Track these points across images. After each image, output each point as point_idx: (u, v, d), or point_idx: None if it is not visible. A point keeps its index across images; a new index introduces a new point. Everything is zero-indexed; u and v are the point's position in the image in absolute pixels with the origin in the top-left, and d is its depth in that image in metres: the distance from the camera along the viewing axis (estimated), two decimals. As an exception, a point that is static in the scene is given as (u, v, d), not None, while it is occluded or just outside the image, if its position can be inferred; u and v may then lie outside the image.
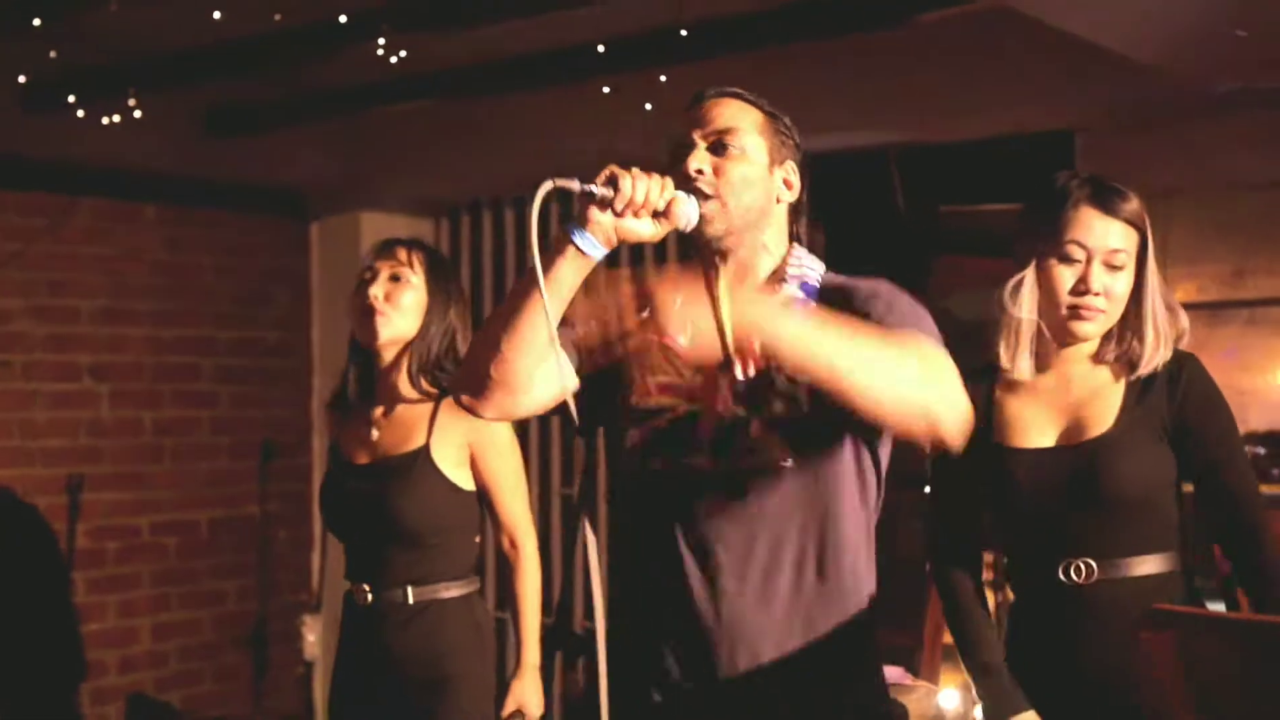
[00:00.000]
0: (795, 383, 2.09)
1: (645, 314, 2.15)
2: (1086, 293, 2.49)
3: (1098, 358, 2.57)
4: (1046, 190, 2.57)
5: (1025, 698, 2.54)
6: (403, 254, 3.19)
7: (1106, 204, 2.51)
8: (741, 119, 2.23)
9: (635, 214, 2.04)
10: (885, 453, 2.23)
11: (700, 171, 2.16)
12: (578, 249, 2.03)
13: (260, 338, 5.94)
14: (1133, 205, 2.53)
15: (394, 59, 4.10)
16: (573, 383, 2.19)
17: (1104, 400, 2.54)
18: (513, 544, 3.26)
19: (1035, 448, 2.54)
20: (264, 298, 5.98)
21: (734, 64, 4.37)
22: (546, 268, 2.03)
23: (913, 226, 5.43)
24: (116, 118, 4.68)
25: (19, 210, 5.29)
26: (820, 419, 2.11)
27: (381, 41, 3.94)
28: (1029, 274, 2.56)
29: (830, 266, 5.72)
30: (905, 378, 1.95)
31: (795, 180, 2.29)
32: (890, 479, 5.73)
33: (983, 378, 2.60)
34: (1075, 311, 2.50)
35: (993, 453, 2.55)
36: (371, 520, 3.14)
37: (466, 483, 3.18)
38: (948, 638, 2.88)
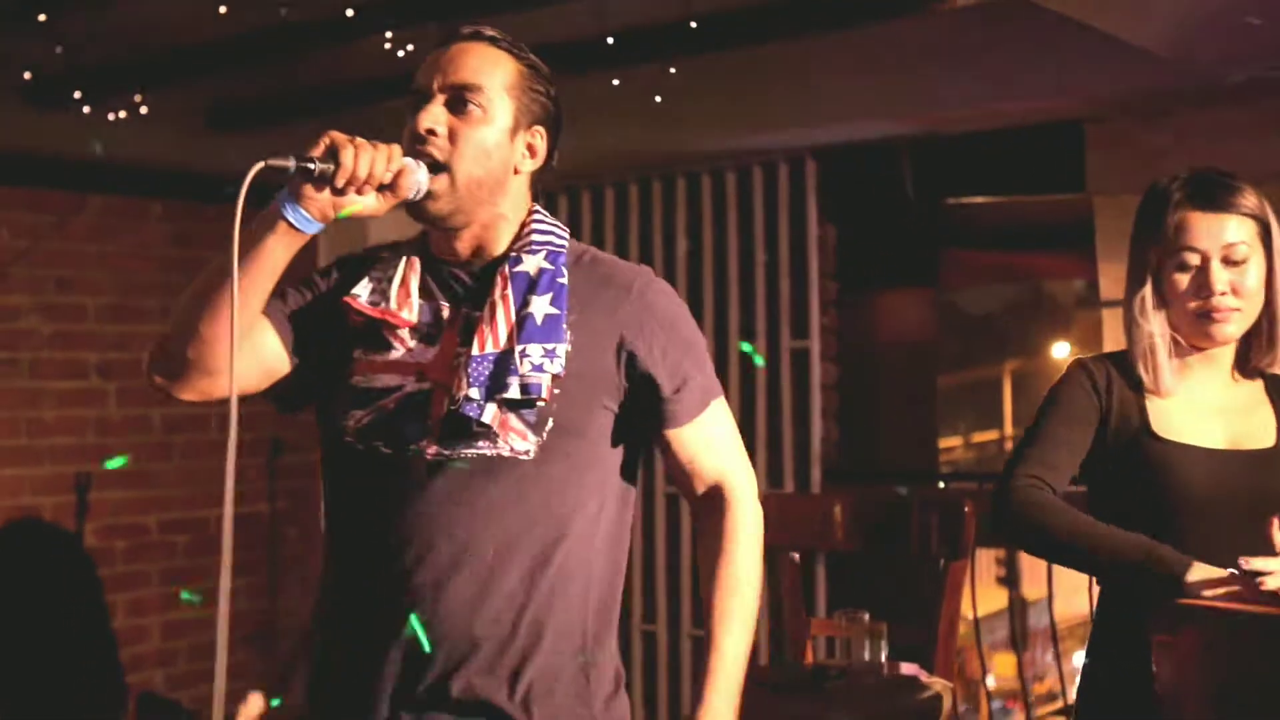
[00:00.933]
0: (541, 371, 1.92)
1: (368, 285, 2.00)
2: (1212, 294, 2.38)
3: (1244, 361, 2.47)
4: (1150, 197, 2.47)
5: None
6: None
7: (1210, 200, 2.41)
8: (490, 72, 1.99)
9: (358, 190, 1.86)
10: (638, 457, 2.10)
11: (432, 132, 1.95)
12: (289, 225, 1.86)
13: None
14: (1241, 195, 2.41)
15: (401, 53, 4.08)
16: (283, 362, 2.02)
17: (1261, 410, 2.46)
18: None
19: (1206, 446, 2.41)
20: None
21: (744, 56, 4.35)
22: (255, 243, 1.86)
23: (920, 219, 5.42)
24: (123, 114, 4.68)
25: (26, 207, 5.28)
26: (575, 410, 1.97)
27: (389, 35, 3.93)
28: (1149, 286, 2.44)
29: (842, 263, 5.72)
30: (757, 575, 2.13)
31: (541, 146, 2.05)
32: (844, 473, 5.67)
33: (1126, 368, 2.47)
34: (1207, 316, 2.39)
35: (1153, 443, 2.41)
36: None
37: None
38: (962, 636, 2.81)
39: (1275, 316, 2.43)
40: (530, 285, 1.97)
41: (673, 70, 3.93)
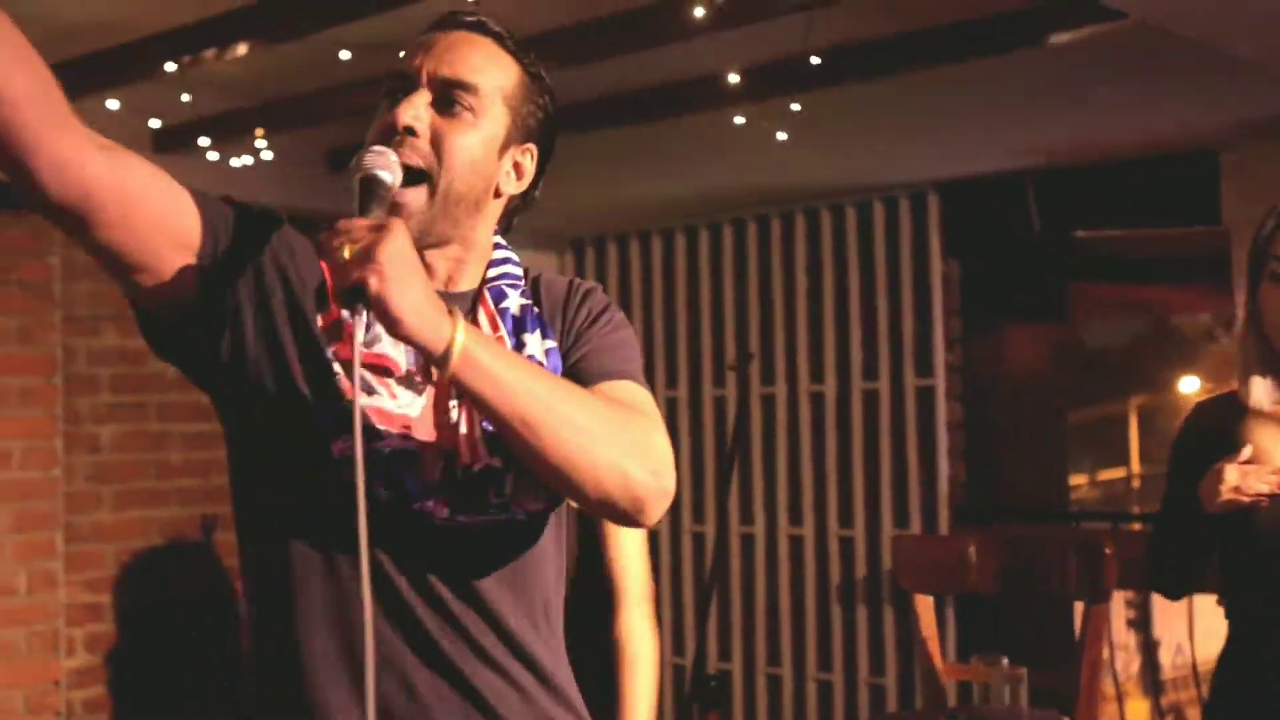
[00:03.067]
0: None
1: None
2: None
3: None
4: (1264, 219, 2.46)
5: None
6: None
7: None
8: (489, 72, 1.73)
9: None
10: None
11: (412, 131, 1.68)
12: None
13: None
14: None
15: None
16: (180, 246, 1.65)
17: None
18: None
19: None
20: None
21: (865, 90, 4.32)
22: None
23: (1048, 253, 5.34)
24: (248, 159, 4.76)
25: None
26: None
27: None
28: (1246, 303, 2.45)
29: (966, 299, 5.61)
30: (606, 441, 1.61)
31: (530, 166, 1.80)
32: (973, 513, 5.56)
33: (1231, 407, 2.48)
34: None
35: None
36: None
37: None
38: (1105, 684, 2.76)
39: None
40: (519, 324, 1.78)
41: (795, 106, 3.90)
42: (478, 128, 1.71)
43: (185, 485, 5.41)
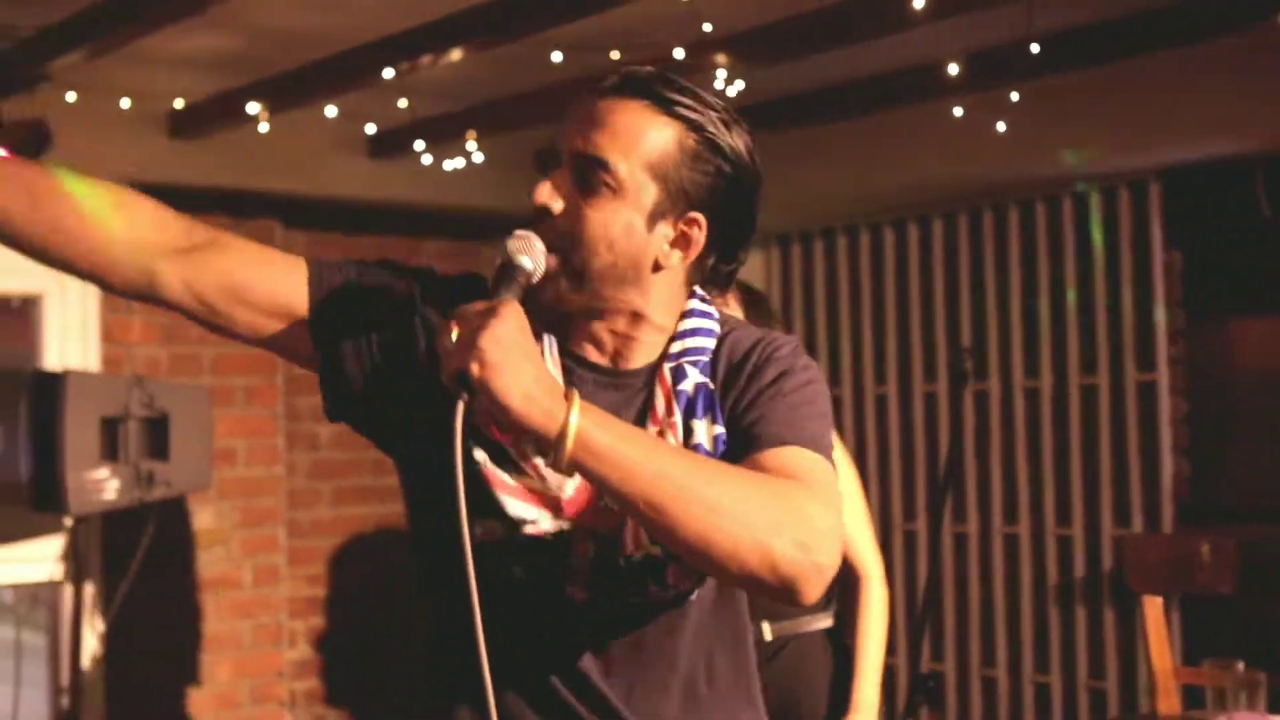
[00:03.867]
0: None
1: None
2: None
3: None
4: None
5: None
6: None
7: None
8: (632, 145, 1.65)
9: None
10: None
11: (547, 211, 1.66)
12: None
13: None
14: None
15: (732, 90, 4.13)
16: (290, 310, 1.75)
17: None
18: (856, 571, 3.17)
19: None
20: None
21: (1086, 77, 4.24)
22: None
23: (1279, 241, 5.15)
24: (460, 162, 4.88)
25: (373, 253, 5.51)
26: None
27: (722, 74, 3.98)
28: None
29: (1189, 291, 5.43)
30: (745, 517, 1.53)
31: (699, 236, 1.70)
32: (1200, 512, 5.39)
33: None
34: None
35: None
36: None
37: None
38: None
39: None
40: (690, 406, 1.71)
41: (1015, 96, 3.84)
42: (616, 205, 1.65)
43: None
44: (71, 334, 4.74)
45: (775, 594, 1.57)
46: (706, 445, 1.68)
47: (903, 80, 4.25)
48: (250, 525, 5.02)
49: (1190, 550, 3.39)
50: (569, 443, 1.49)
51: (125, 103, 4.41)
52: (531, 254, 1.63)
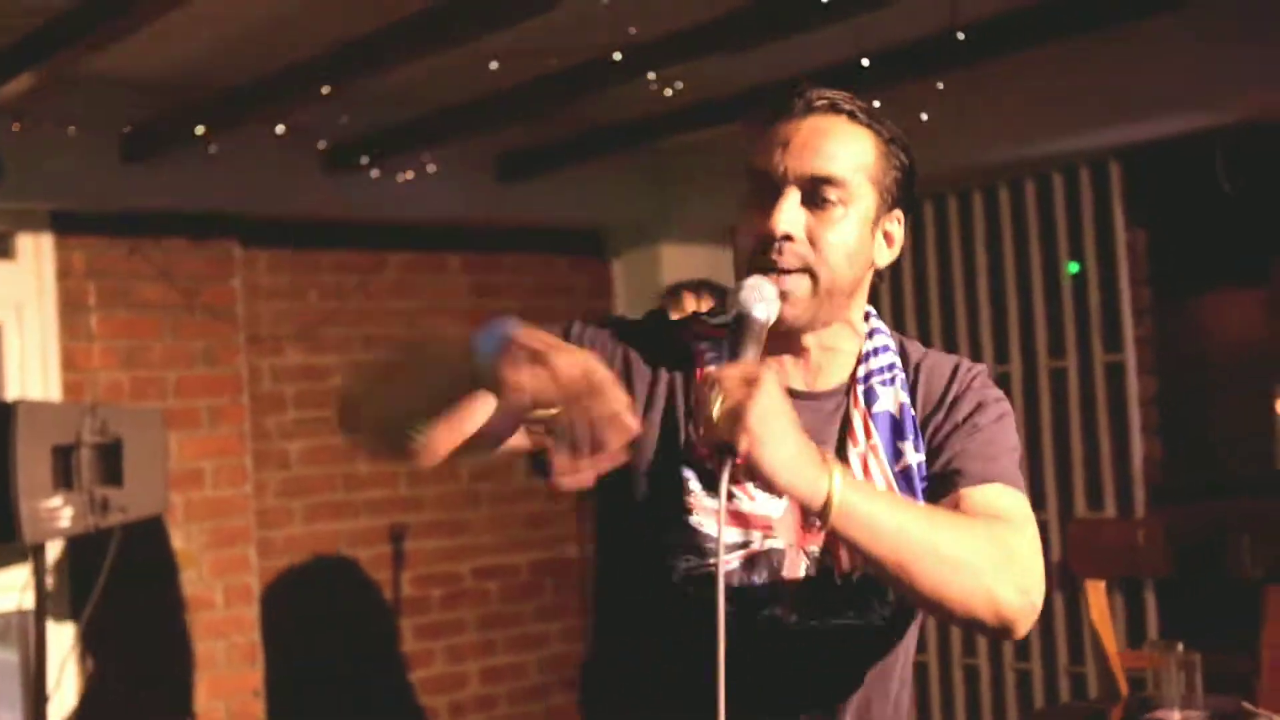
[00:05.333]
0: None
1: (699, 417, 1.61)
2: None
3: None
4: None
5: None
6: (691, 300, 3.20)
7: None
8: (852, 155, 1.75)
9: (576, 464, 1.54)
10: None
11: (790, 238, 1.73)
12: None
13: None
14: None
15: (669, 91, 4.18)
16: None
17: None
18: None
19: None
20: (571, 338, 6.13)
21: (1032, 59, 4.28)
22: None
23: (1247, 215, 5.16)
24: (410, 174, 4.94)
25: (332, 270, 5.59)
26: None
27: (652, 75, 4.03)
28: None
29: (1155, 269, 5.47)
30: (976, 570, 1.63)
31: (899, 232, 1.83)
32: (1181, 489, 5.41)
33: None
34: None
35: None
36: None
37: None
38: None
39: None
40: (896, 428, 1.81)
41: (940, 85, 3.88)
42: (849, 217, 1.75)
43: (373, 496, 5.61)
44: (31, 362, 4.82)
45: (993, 634, 1.70)
46: (914, 473, 1.79)
47: (827, 75, 4.29)
48: (220, 546, 5.09)
49: (1131, 534, 3.42)
50: (833, 512, 1.57)
51: (72, 130, 4.49)
52: (765, 302, 1.70)
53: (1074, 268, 5.20)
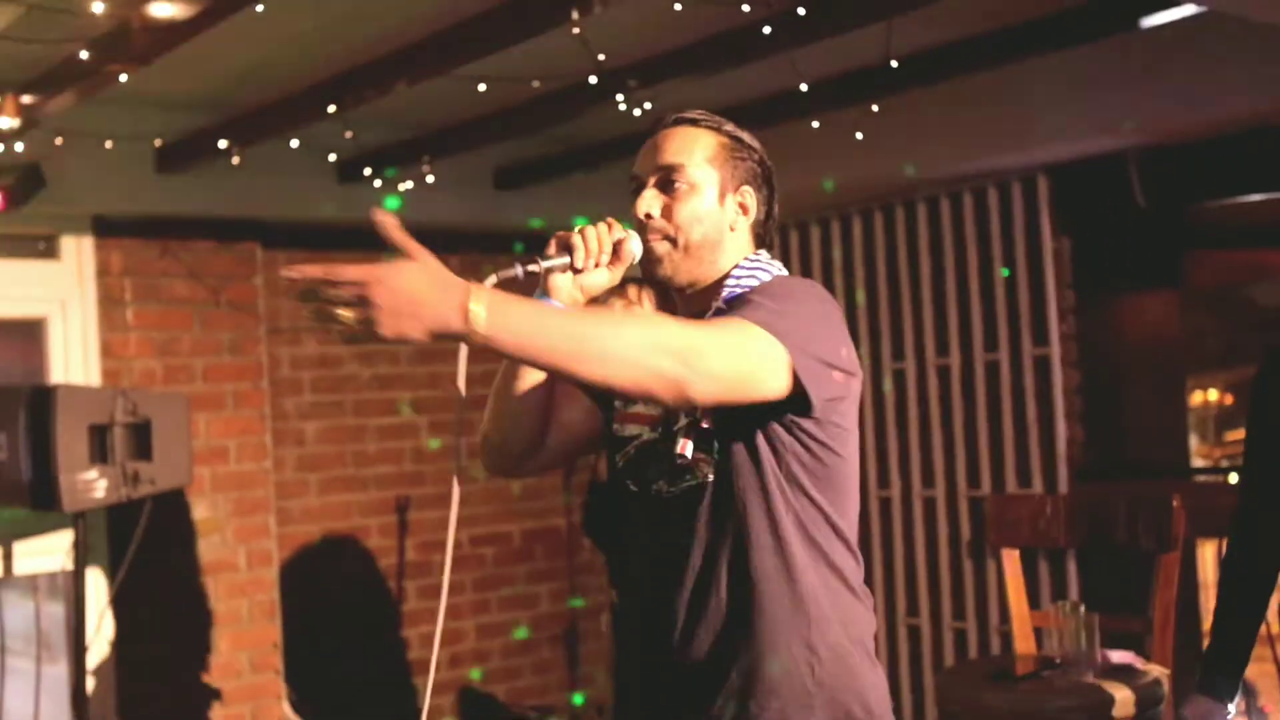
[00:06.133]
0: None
1: None
2: None
3: None
4: None
5: (1230, 690, 2.39)
6: (633, 291, 3.27)
7: None
8: (691, 150, 2.10)
9: (596, 264, 2.03)
10: (817, 466, 2.02)
11: (649, 216, 2.08)
12: None
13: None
14: None
15: (638, 111, 4.22)
16: (592, 426, 2.19)
17: None
18: None
19: None
20: (559, 331, 6.17)
21: (972, 86, 4.33)
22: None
23: (1158, 224, 5.22)
24: (410, 183, 4.98)
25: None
26: (721, 429, 2.00)
27: (620, 97, 4.07)
28: None
29: (1079, 273, 5.51)
30: (624, 340, 1.78)
31: (752, 203, 2.14)
32: (1100, 469, 5.44)
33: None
34: None
35: None
36: None
37: None
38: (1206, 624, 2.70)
39: None
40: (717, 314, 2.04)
41: (875, 108, 3.93)
42: (695, 192, 2.08)
43: (381, 471, 5.67)
44: (74, 351, 4.86)
45: (673, 401, 1.85)
46: None
47: (781, 101, 4.33)
48: (242, 515, 5.14)
49: (1039, 508, 3.47)
50: (477, 330, 1.73)
51: (109, 143, 4.53)
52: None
53: (1005, 272, 5.24)
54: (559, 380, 2.07)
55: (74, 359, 4.86)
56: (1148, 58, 4.37)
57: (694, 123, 2.13)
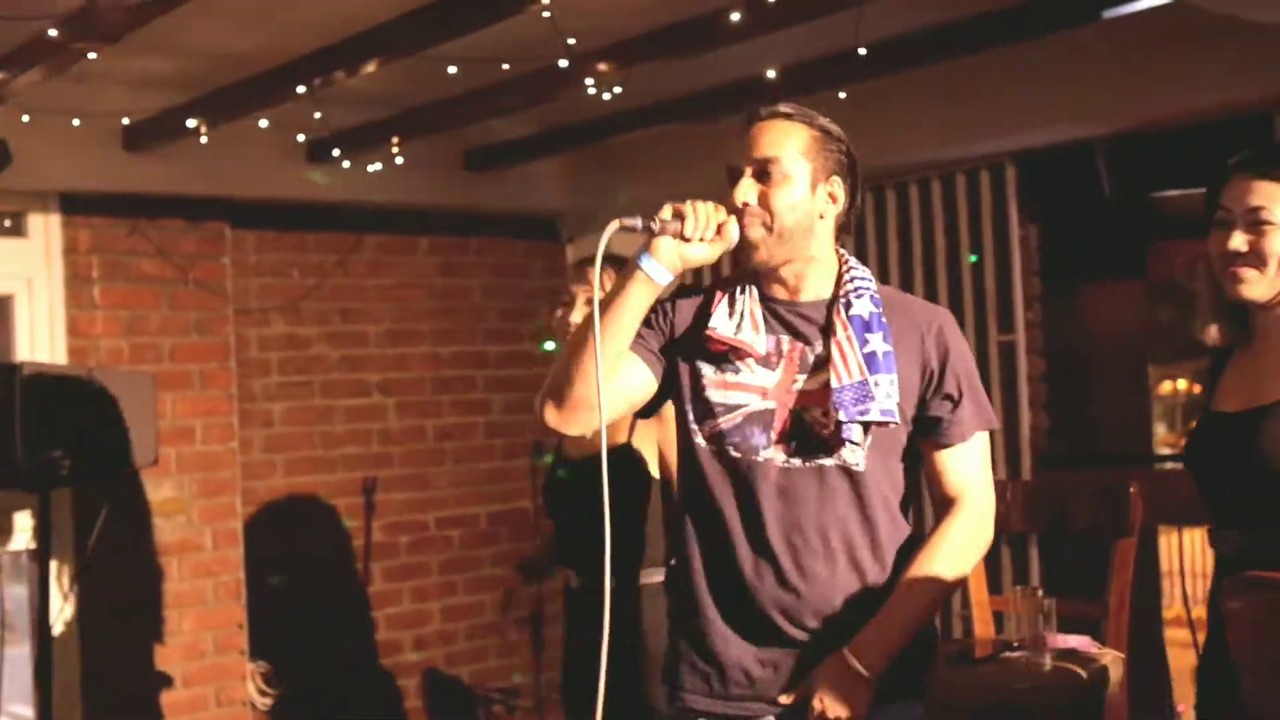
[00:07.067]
0: (892, 390, 2.23)
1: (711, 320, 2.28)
2: (1227, 253, 2.33)
3: None
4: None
5: None
6: (592, 274, 3.24)
7: (1251, 167, 2.35)
8: (785, 143, 2.25)
9: (701, 238, 2.18)
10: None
11: (746, 204, 2.23)
12: (647, 276, 2.19)
13: (527, 350, 6.17)
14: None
15: (607, 95, 4.25)
16: (648, 390, 2.32)
17: None
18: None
19: (1221, 411, 2.40)
20: (528, 314, 6.21)
21: (941, 74, 4.37)
22: (620, 292, 2.20)
23: (1124, 214, 5.27)
24: (380, 165, 5.00)
25: (314, 249, 5.65)
26: (891, 430, 2.26)
27: (590, 81, 4.09)
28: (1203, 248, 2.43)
29: (1045, 261, 5.57)
30: (956, 582, 2.29)
31: (840, 193, 2.30)
32: (1064, 457, 5.49)
33: (1220, 350, 2.49)
34: (1227, 273, 2.34)
35: (1204, 417, 2.47)
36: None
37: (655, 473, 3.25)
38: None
39: None
40: (865, 326, 2.23)
41: (842, 95, 3.96)
42: (790, 182, 2.23)
43: (348, 453, 5.68)
44: (40, 329, 4.86)
45: None
46: (879, 356, 2.21)
47: (739, 90, 4.36)
48: (208, 495, 5.15)
49: (1000, 494, 3.51)
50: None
51: (77, 121, 4.53)
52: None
53: (974, 259, 5.29)
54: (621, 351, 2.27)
55: (40, 337, 4.86)
56: (1115, 48, 4.42)
57: (788, 116, 2.27)
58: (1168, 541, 5.30)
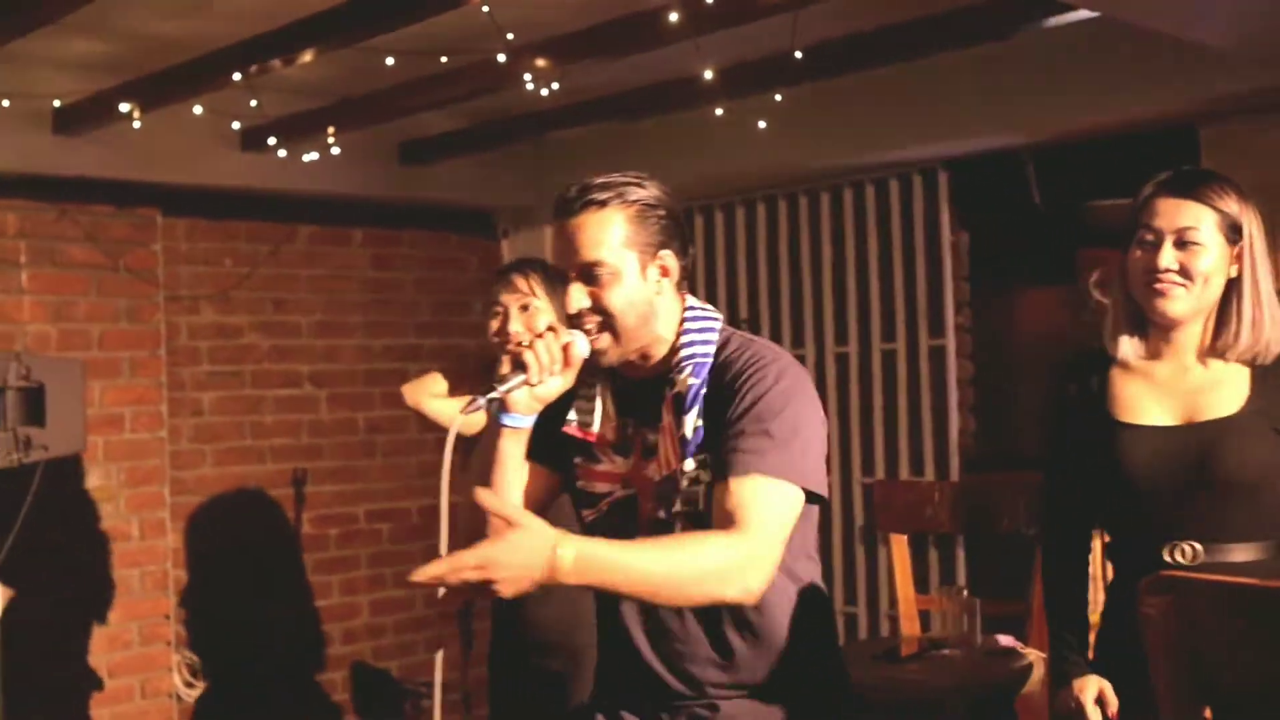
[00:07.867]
0: (697, 483, 2.15)
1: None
2: (1157, 270, 2.39)
3: (1213, 347, 2.46)
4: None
5: (1087, 666, 2.52)
6: (521, 282, 3.23)
7: (1179, 188, 2.42)
8: (604, 239, 2.14)
9: (550, 374, 2.12)
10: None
11: (580, 313, 2.16)
12: (514, 429, 2.16)
13: (459, 344, 6.15)
14: (1213, 188, 2.42)
15: (545, 91, 4.26)
16: (555, 480, 2.32)
17: (1228, 387, 2.43)
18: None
19: (1154, 425, 2.44)
20: (461, 308, 6.20)
21: (876, 79, 4.42)
22: (495, 450, 2.17)
23: (1054, 222, 5.36)
24: (315, 155, 4.97)
25: (246, 238, 5.61)
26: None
27: (528, 77, 4.10)
28: (1121, 264, 2.49)
29: (975, 266, 5.61)
30: (699, 588, 2.03)
31: (672, 263, 2.21)
32: (990, 459, 5.61)
33: (1100, 360, 2.53)
34: (1151, 289, 2.40)
35: (1109, 427, 2.46)
36: None
37: None
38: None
39: (1242, 308, 2.44)
40: (681, 403, 2.17)
41: (778, 97, 4.00)
42: (619, 279, 2.14)
43: (277, 444, 5.65)
44: (-36, 313, 4.80)
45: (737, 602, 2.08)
46: (688, 436, 2.15)
47: (679, 89, 4.39)
48: (136, 484, 5.11)
49: (923, 495, 3.58)
50: (561, 576, 1.92)
51: (5, 102, 4.47)
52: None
53: None
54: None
55: (-37, 322, 4.80)
56: (1046, 59, 4.49)
57: (601, 204, 2.14)
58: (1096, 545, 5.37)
